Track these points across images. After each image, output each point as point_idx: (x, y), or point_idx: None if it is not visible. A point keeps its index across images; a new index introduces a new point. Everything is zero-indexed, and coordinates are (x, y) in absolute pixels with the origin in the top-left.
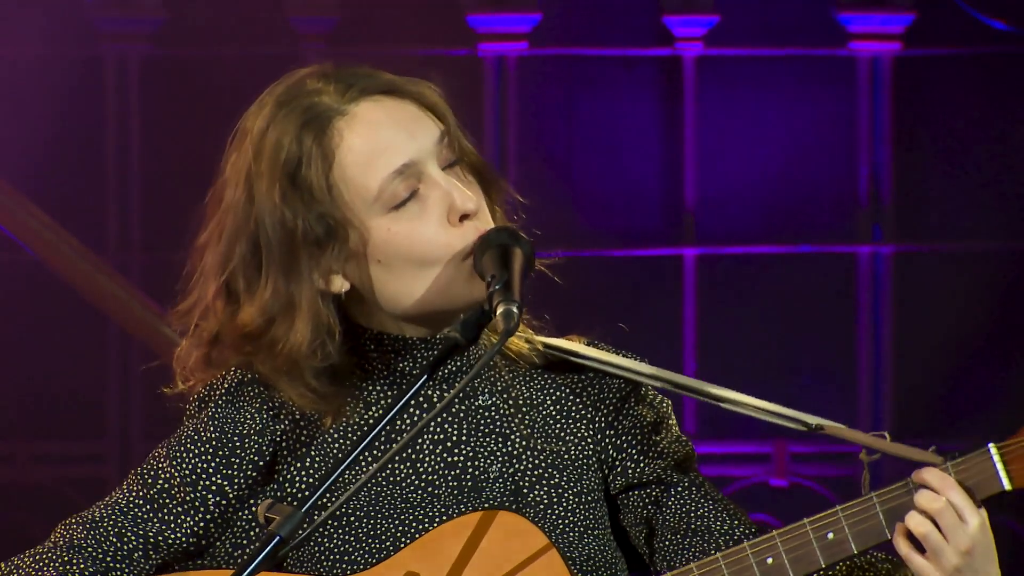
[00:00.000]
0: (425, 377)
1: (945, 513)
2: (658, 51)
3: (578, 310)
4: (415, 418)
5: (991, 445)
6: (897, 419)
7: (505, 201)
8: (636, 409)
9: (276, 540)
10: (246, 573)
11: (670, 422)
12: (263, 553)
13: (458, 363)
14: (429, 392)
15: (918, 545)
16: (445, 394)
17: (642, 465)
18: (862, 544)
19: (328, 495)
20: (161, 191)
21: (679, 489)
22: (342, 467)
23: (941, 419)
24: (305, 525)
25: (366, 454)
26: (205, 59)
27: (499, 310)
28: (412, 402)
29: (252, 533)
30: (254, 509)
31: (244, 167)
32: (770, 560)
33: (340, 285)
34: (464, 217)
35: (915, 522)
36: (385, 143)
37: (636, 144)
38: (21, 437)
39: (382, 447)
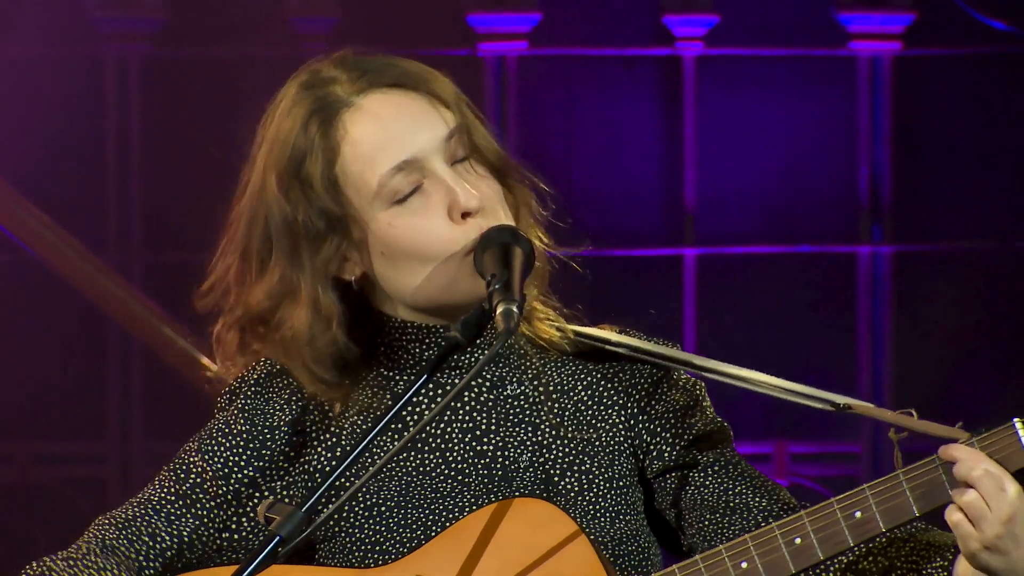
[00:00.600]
0: (425, 378)
1: (984, 480)
2: (658, 51)
3: (578, 310)
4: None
5: (1016, 420)
6: None
7: (531, 192)
8: (668, 394)
9: (277, 540)
10: (246, 573)
11: (704, 404)
12: (263, 553)
13: (478, 354)
14: (457, 380)
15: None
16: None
17: (677, 448)
18: (890, 523)
19: (348, 483)
20: (161, 191)
21: (715, 468)
22: (343, 467)
23: (940, 419)
24: (318, 515)
25: (386, 444)
26: (205, 59)
27: (499, 309)
28: (439, 392)
29: None
30: (284, 501)
31: (262, 155)
32: (798, 540)
33: (351, 272)
34: (467, 214)
35: (957, 491)
36: (388, 138)
37: (636, 144)
38: (21, 437)
39: (394, 437)
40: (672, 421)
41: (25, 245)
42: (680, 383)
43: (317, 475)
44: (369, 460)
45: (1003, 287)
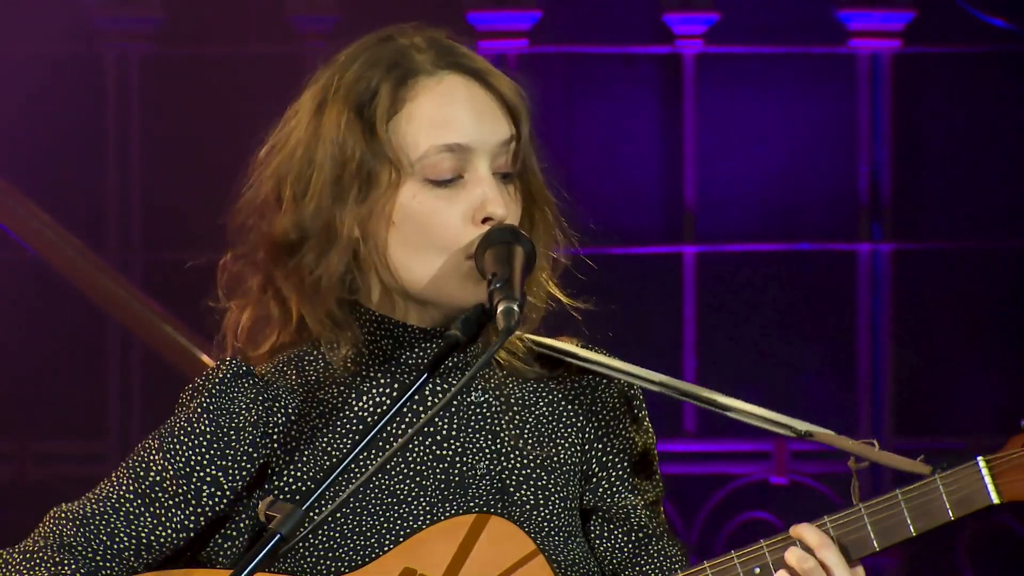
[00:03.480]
0: (426, 376)
1: (813, 573)
2: (658, 49)
3: (576, 309)
4: (411, 410)
5: (980, 458)
6: (896, 417)
7: (555, 232)
8: (628, 432)
9: (277, 538)
10: (246, 572)
11: (654, 452)
12: (263, 552)
13: (456, 358)
14: (436, 384)
15: None
16: (440, 387)
17: (615, 493)
18: None
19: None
20: (161, 191)
21: (634, 536)
22: (344, 464)
23: (939, 417)
24: (306, 523)
25: (370, 453)
26: (205, 59)
27: (499, 308)
28: (424, 393)
29: (242, 525)
30: (246, 503)
31: (325, 87)
32: None
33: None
34: (487, 220)
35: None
36: (452, 117)
37: (636, 142)
38: (21, 437)
39: (378, 441)
40: (625, 463)
41: (25, 244)
42: (643, 425)
43: (275, 479)
44: (352, 468)
45: (1003, 286)
